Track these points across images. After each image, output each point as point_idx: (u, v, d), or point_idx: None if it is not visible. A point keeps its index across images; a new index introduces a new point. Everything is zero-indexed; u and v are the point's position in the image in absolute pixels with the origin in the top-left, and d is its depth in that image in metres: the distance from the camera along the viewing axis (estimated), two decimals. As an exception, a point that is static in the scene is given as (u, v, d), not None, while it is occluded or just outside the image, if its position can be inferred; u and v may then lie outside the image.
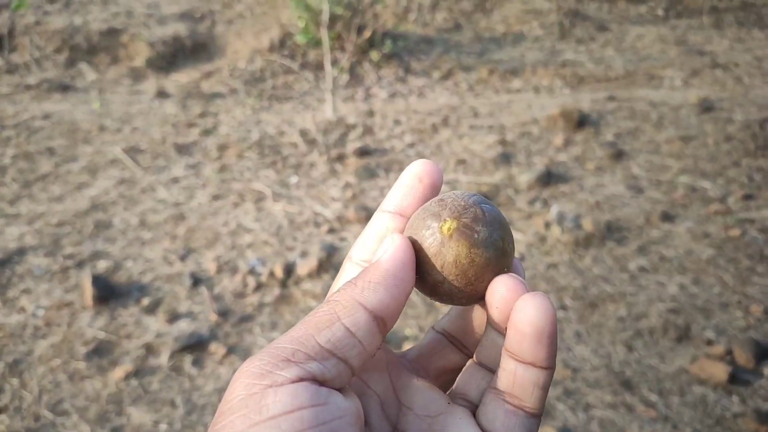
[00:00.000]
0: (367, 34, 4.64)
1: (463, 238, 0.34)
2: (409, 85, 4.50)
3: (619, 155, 3.21)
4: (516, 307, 0.33)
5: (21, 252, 2.39)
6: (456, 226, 0.35)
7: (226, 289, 2.18)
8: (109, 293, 2.13)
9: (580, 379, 1.81)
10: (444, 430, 0.35)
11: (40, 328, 1.99)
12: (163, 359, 1.87)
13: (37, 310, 2.08)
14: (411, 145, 3.39)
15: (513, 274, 0.35)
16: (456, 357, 0.40)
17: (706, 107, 3.75)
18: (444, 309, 2.02)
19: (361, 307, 0.33)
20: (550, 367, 0.33)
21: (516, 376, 0.34)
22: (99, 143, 3.37)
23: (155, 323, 2.03)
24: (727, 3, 6.01)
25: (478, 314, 0.39)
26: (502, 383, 0.34)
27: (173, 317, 2.05)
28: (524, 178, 2.95)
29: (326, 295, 0.36)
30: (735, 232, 2.51)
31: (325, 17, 3.90)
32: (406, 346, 1.74)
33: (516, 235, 2.49)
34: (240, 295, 2.16)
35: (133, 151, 3.27)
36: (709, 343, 1.94)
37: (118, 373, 1.81)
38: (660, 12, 5.89)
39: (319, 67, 4.60)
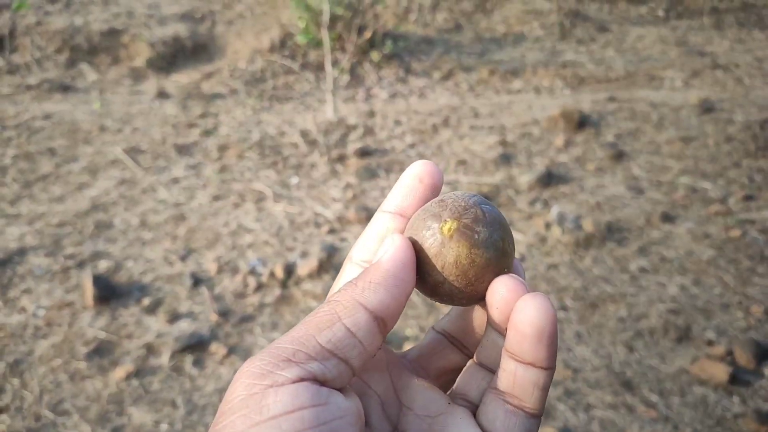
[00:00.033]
0: (367, 34, 4.64)
1: (463, 238, 0.35)
2: (410, 85, 4.50)
3: (619, 156, 3.21)
4: (516, 308, 0.33)
5: (22, 252, 2.39)
6: (456, 227, 0.35)
7: (227, 290, 2.19)
8: (109, 293, 2.13)
9: (581, 380, 1.81)
10: (444, 430, 0.35)
11: (41, 328, 2.00)
12: (164, 359, 1.87)
13: (38, 310, 2.08)
14: (411, 146, 3.39)
15: (513, 275, 0.35)
16: (456, 357, 0.40)
17: (706, 108, 3.75)
18: (444, 309, 2.02)
19: (361, 307, 0.33)
20: (550, 368, 0.33)
21: (516, 377, 0.34)
22: (99, 144, 3.37)
23: (156, 323, 2.03)
24: (728, 4, 6.01)
25: (478, 315, 0.39)
26: (503, 383, 0.34)
27: (174, 317, 2.05)
28: (525, 178, 2.95)
29: (327, 295, 0.36)
30: (735, 232, 2.50)
31: (325, 18, 3.90)
32: (407, 347, 1.74)
33: (516, 236, 2.49)
34: (240, 295, 2.16)
35: (133, 152, 3.28)
36: (710, 343, 1.93)
37: (119, 373, 1.81)
38: (660, 13, 5.89)
39: (319, 67, 4.60)
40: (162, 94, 4.15)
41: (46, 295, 2.15)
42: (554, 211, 2.61)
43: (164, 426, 1.65)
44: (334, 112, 3.75)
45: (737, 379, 1.79)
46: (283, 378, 0.30)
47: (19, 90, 4.13)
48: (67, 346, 1.92)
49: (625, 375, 1.83)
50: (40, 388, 1.76)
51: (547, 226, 2.54)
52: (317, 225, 2.59)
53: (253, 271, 2.27)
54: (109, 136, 3.47)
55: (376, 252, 0.37)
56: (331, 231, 2.53)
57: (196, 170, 3.10)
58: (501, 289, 0.34)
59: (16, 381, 1.79)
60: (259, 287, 2.19)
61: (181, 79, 4.46)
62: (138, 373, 1.83)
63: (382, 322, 0.33)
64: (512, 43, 5.29)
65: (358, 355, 0.32)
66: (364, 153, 3.25)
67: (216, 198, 2.82)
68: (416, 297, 2.11)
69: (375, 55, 4.69)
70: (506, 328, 0.34)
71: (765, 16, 5.85)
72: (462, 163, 3.19)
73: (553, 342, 0.33)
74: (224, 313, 2.06)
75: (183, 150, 3.31)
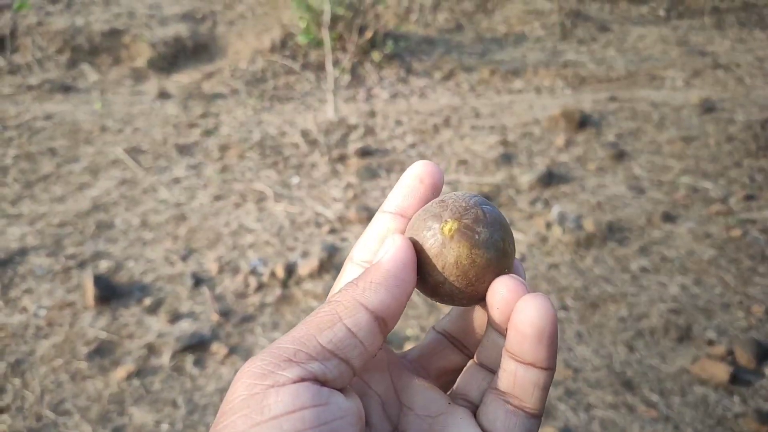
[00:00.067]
0: (368, 34, 4.65)
1: (464, 239, 0.35)
2: (411, 85, 4.50)
3: (620, 156, 3.21)
4: (516, 308, 0.33)
5: (23, 252, 2.39)
6: (457, 227, 0.35)
7: (228, 290, 2.19)
8: (110, 293, 2.13)
9: (582, 380, 1.81)
10: (445, 430, 0.35)
11: (42, 328, 2.00)
12: (165, 359, 1.88)
13: (39, 310, 2.08)
14: (412, 146, 3.39)
15: (514, 275, 0.35)
16: (457, 357, 0.40)
17: (707, 108, 3.74)
18: (445, 309, 2.02)
19: (362, 307, 0.33)
20: (550, 368, 0.34)
21: (516, 377, 0.34)
22: (100, 144, 3.37)
23: (157, 323, 2.03)
24: (729, 3, 6.00)
25: (478, 315, 0.39)
26: (503, 384, 0.34)
27: (175, 317, 2.05)
28: (525, 178, 2.95)
29: (327, 295, 0.36)
30: (736, 232, 2.50)
31: (326, 18, 3.90)
32: (408, 347, 1.74)
33: (517, 236, 2.49)
34: (241, 295, 2.16)
35: (134, 152, 3.28)
36: (711, 343, 1.93)
37: (120, 373, 1.82)
38: (661, 12, 5.89)
39: (320, 67, 4.60)
40: (163, 95, 4.16)
41: (47, 295, 2.15)
42: (555, 210, 2.61)
43: (165, 426, 1.66)
44: (334, 112, 3.75)
45: (738, 378, 1.79)
46: (284, 378, 0.30)
47: (20, 90, 4.14)
48: (68, 346, 1.93)
49: (626, 375, 1.83)
50: (41, 388, 1.76)
51: (548, 225, 2.54)
52: (318, 225, 2.59)
53: (254, 271, 2.27)
54: (110, 137, 3.47)
55: (376, 252, 0.37)
56: (332, 231, 2.54)
57: (197, 170, 3.10)
58: (501, 290, 0.34)
59: (17, 381, 1.79)
60: (260, 287, 2.20)
61: (182, 79, 4.47)
62: (139, 373, 1.83)
63: (383, 322, 0.33)
64: (513, 43, 5.29)
65: (359, 356, 0.32)
66: (364, 153, 3.25)
67: (217, 198, 2.82)
68: (417, 297, 2.11)
69: (376, 55, 4.69)
70: (506, 329, 0.34)
71: (766, 16, 5.85)
72: (463, 162, 3.19)
73: (553, 342, 0.33)
74: (225, 313, 2.06)
75: (184, 150, 3.31)
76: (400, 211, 0.39)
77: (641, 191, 2.87)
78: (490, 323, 0.36)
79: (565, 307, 2.11)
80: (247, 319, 2.05)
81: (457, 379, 0.39)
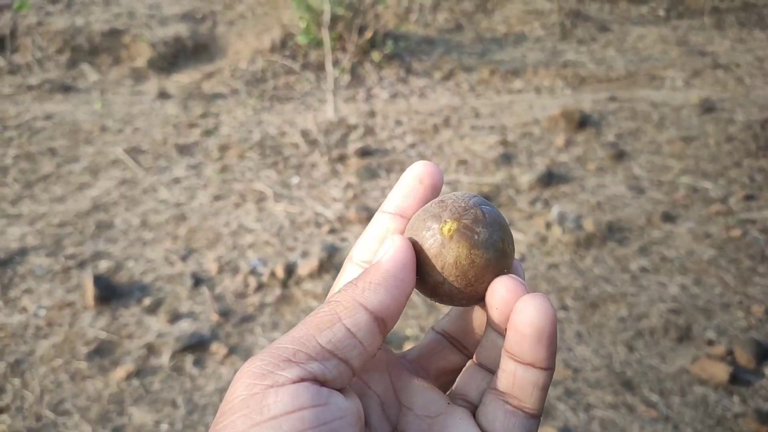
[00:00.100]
0: (368, 34, 4.65)
1: (463, 239, 0.35)
2: (411, 85, 4.50)
3: (620, 156, 3.21)
4: (516, 308, 0.33)
5: (23, 252, 2.39)
6: (456, 228, 0.35)
7: (227, 290, 2.19)
8: (110, 293, 2.13)
9: (581, 380, 1.81)
10: (444, 430, 0.35)
11: (42, 328, 2.00)
12: (165, 359, 1.88)
13: (39, 310, 2.08)
14: (412, 146, 3.39)
15: (513, 275, 0.35)
16: (456, 358, 0.40)
17: (707, 108, 3.75)
18: (444, 310, 2.02)
19: (361, 307, 0.33)
20: (549, 368, 0.34)
21: (516, 377, 0.34)
22: (100, 144, 3.37)
23: (156, 323, 2.03)
24: (729, 3, 6.00)
25: (478, 315, 0.39)
26: (502, 384, 0.34)
27: (174, 317, 2.05)
28: (525, 178, 2.95)
29: (327, 295, 0.36)
30: (736, 232, 2.50)
31: (326, 18, 3.90)
32: (407, 347, 1.74)
33: (517, 236, 2.49)
34: (241, 295, 2.16)
35: (134, 152, 3.28)
36: (710, 343, 1.93)
37: (120, 373, 1.82)
38: (661, 12, 5.89)
39: (320, 67, 4.60)
40: (163, 95, 4.16)
41: (47, 295, 2.15)
42: (555, 210, 2.61)
43: (165, 426, 1.66)
44: (334, 112, 3.75)
45: (737, 378, 1.79)
46: (283, 378, 0.30)
47: (20, 90, 4.13)
48: (68, 346, 1.93)
49: (626, 375, 1.83)
50: (40, 388, 1.76)
51: (548, 225, 2.54)
52: (318, 225, 2.59)
53: (253, 271, 2.27)
54: (110, 137, 3.47)
55: (376, 252, 0.37)
56: (332, 231, 2.54)
57: (196, 170, 3.10)
58: (500, 290, 0.34)
59: (16, 381, 1.79)
60: (260, 287, 2.20)
61: (182, 79, 4.47)
62: (138, 373, 1.83)
63: (382, 322, 0.33)
64: (513, 43, 5.29)
65: (358, 356, 0.32)
66: (364, 153, 3.25)
67: (217, 198, 2.82)
68: (416, 297, 2.11)
69: (376, 55, 4.69)
70: (506, 329, 0.34)
71: (766, 16, 5.85)
72: (462, 163, 3.19)
73: (552, 342, 0.33)
74: (225, 313, 2.06)
75: (184, 150, 3.31)
76: (399, 211, 0.39)
77: (641, 191, 2.87)
78: (490, 323, 0.36)
79: (564, 307, 2.12)
80: (247, 319, 2.05)
81: (457, 380, 0.39)
